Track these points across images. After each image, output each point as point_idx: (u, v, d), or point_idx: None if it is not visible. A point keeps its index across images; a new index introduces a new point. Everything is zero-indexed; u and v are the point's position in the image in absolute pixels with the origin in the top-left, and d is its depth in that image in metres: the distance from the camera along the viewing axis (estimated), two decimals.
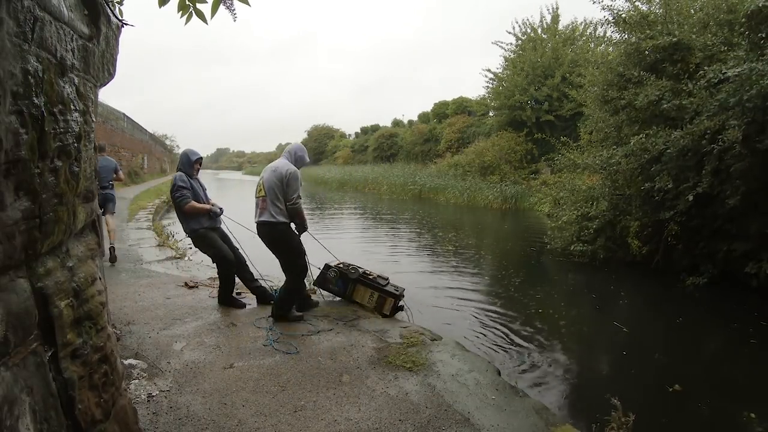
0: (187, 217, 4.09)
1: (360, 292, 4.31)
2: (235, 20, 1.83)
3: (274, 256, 3.93)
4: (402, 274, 7.07)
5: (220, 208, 4.27)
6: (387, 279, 4.45)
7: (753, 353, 4.37)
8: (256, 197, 3.89)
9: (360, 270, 4.39)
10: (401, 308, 4.37)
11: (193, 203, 4.06)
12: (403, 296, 4.41)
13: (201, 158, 4.33)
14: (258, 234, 3.88)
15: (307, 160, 4.05)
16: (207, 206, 4.13)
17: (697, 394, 3.53)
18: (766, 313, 5.22)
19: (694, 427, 3.15)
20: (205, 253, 4.23)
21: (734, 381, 3.79)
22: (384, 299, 4.21)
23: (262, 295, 4.29)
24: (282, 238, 3.81)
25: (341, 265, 4.42)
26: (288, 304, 3.87)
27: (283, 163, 3.84)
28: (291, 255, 3.85)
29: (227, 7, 1.79)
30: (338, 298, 4.50)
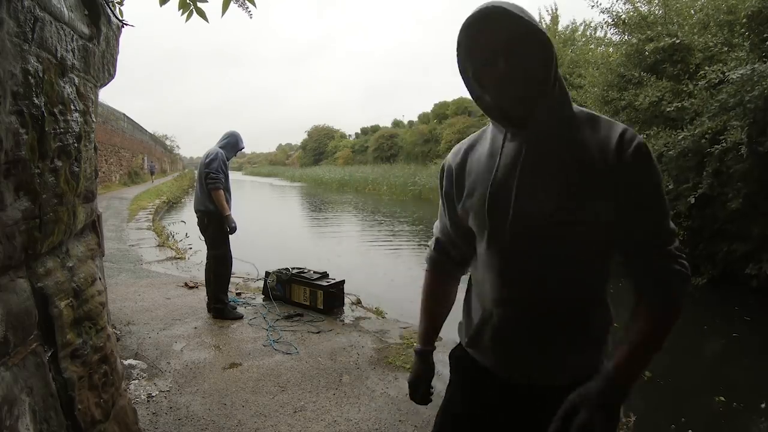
0: (210, 199, 3.73)
1: (296, 291, 4.19)
2: (250, 17, 1.80)
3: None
4: (402, 274, 7.08)
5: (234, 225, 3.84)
6: (322, 273, 4.26)
7: (741, 349, 4.50)
8: None
9: (295, 270, 4.27)
10: (341, 303, 4.17)
11: (221, 195, 3.69)
12: (342, 289, 4.20)
13: (243, 149, 4.10)
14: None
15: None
16: (228, 210, 3.75)
17: (692, 391, 3.58)
18: (753, 310, 5.31)
19: (690, 424, 3.17)
20: (204, 235, 3.88)
21: (725, 376, 3.85)
22: (315, 293, 4.08)
23: None
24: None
25: (281, 270, 4.29)
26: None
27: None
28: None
29: (240, 5, 1.76)
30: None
